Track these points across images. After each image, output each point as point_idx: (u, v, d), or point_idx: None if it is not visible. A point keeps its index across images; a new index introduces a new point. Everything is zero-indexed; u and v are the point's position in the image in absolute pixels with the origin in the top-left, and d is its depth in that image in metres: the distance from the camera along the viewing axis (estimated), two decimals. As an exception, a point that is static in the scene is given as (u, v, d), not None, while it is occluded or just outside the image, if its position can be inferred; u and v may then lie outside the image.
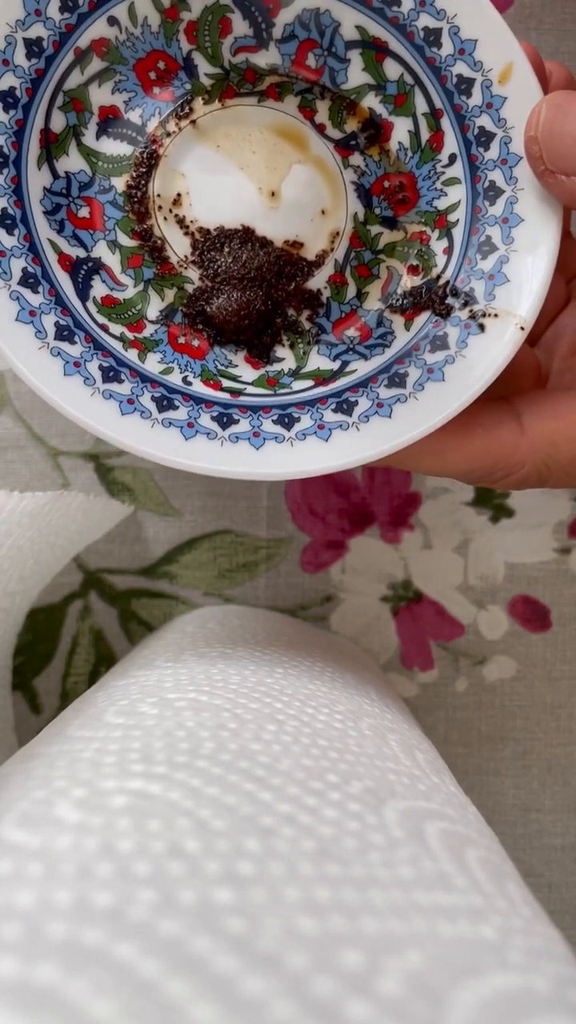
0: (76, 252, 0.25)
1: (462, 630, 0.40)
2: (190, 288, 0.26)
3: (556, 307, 0.28)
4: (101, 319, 0.25)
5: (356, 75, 0.25)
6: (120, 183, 0.25)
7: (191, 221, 0.26)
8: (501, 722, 0.40)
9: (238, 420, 0.25)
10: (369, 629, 0.39)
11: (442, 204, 0.25)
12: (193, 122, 0.25)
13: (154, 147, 0.25)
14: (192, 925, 0.12)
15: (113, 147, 0.25)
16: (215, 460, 0.24)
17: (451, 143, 0.25)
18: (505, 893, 0.15)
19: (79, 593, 0.39)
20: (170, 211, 0.26)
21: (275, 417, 0.25)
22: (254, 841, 0.14)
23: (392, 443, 0.24)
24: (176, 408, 0.25)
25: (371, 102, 0.25)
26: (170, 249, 0.26)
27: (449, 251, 0.25)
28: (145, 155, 0.25)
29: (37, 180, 0.24)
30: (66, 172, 0.25)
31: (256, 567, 0.39)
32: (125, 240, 0.26)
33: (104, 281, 0.26)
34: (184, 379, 0.25)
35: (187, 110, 0.25)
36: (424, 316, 0.26)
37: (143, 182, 0.26)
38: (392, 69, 0.25)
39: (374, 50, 0.24)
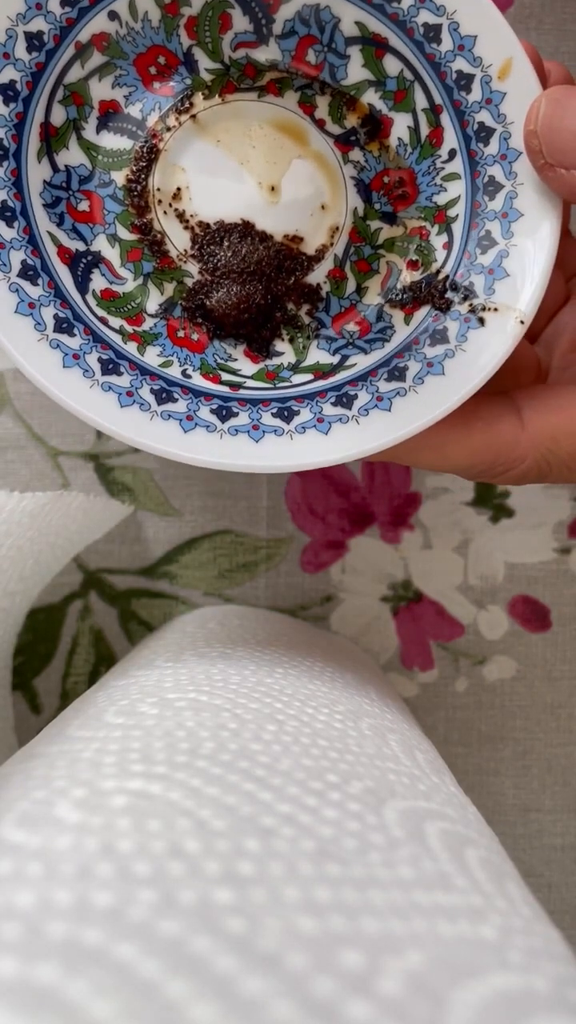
0: (76, 245, 0.25)
1: (462, 630, 0.40)
2: (190, 282, 0.26)
3: (555, 304, 0.28)
4: (100, 312, 0.25)
5: (356, 71, 0.25)
6: (120, 177, 0.25)
7: (191, 215, 0.26)
8: (501, 722, 0.40)
9: (237, 413, 0.25)
10: (369, 629, 0.39)
11: (442, 199, 0.25)
12: (193, 117, 0.25)
13: (154, 141, 0.25)
14: (192, 925, 0.12)
15: (113, 141, 0.25)
16: (214, 453, 0.24)
17: (451, 139, 0.25)
18: (505, 893, 0.15)
19: (79, 593, 0.39)
20: (170, 205, 0.26)
21: (274, 410, 0.25)
22: (254, 841, 0.14)
23: (392, 436, 0.24)
24: (175, 401, 0.25)
25: (371, 98, 0.25)
26: (170, 243, 0.26)
27: (449, 246, 0.25)
28: (145, 149, 0.25)
29: (37, 173, 0.24)
30: (66, 166, 0.25)
31: (256, 567, 0.39)
32: (125, 234, 0.26)
33: (103, 274, 0.26)
34: (183, 372, 0.25)
35: (187, 105, 0.25)
36: (424, 310, 0.26)
37: (143, 176, 0.25)
38: (392, 65, 0.25)
39: (374, 46, 0.24)
